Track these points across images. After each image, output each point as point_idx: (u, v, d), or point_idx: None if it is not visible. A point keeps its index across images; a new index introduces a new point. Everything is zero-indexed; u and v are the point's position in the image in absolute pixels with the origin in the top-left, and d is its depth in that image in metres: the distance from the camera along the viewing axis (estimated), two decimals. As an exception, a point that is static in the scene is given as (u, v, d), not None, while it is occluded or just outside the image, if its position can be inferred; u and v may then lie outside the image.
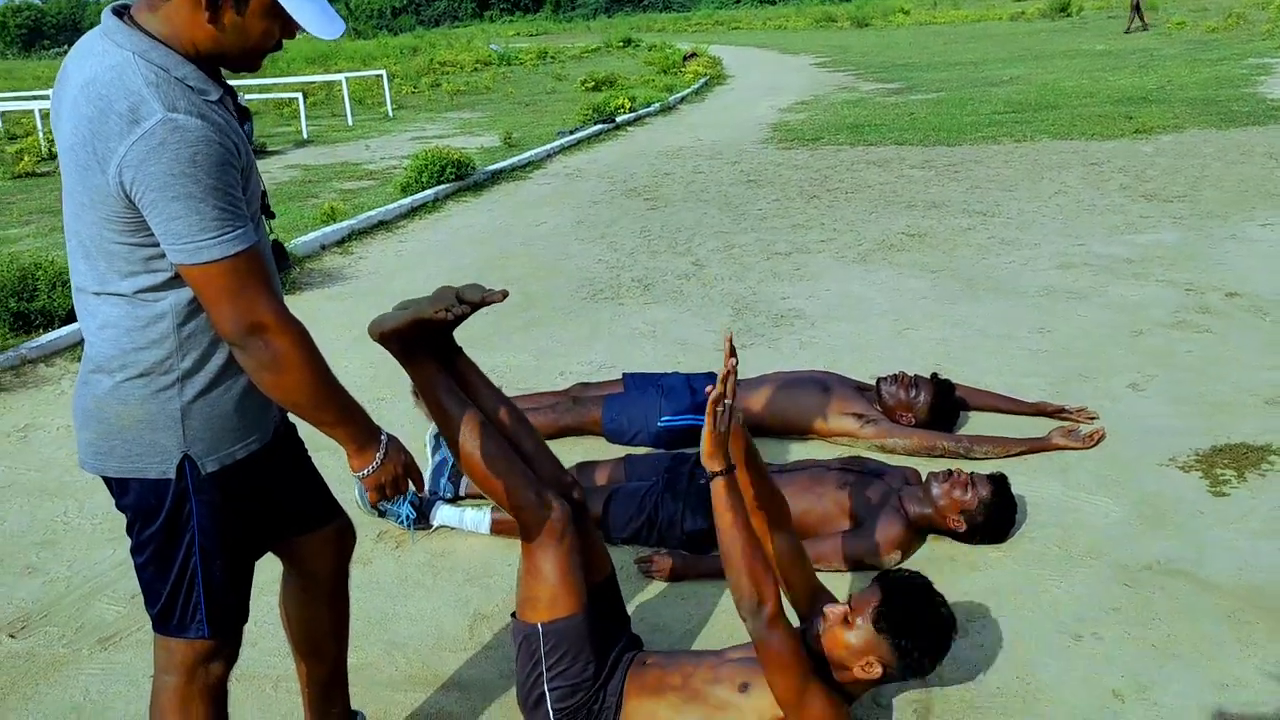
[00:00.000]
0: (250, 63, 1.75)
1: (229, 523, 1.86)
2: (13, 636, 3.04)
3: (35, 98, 16.88)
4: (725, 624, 2.92)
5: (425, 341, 2.40)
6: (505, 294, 2.27)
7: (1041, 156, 9.59)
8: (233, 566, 1.90)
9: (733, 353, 2.25)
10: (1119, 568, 3.04)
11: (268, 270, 1.73)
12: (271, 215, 1.93)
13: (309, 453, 2.19)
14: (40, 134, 13.99)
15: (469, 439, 2.34)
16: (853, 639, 2.24)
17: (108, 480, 1.84)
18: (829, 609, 2.31)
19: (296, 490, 2.11)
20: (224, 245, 1.62)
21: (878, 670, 2.22)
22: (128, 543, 3.41)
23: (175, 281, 1.70)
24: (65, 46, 54.45)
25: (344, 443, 1.84)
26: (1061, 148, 9.96)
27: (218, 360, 1.77)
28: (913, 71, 19.12)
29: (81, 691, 2.78)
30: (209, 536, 1.83)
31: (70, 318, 5.77)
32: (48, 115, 14.73)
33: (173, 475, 1.78)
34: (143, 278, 1.69)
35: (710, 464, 2.22)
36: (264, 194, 1.86)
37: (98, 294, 1.72)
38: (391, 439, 1.89)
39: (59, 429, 4.55)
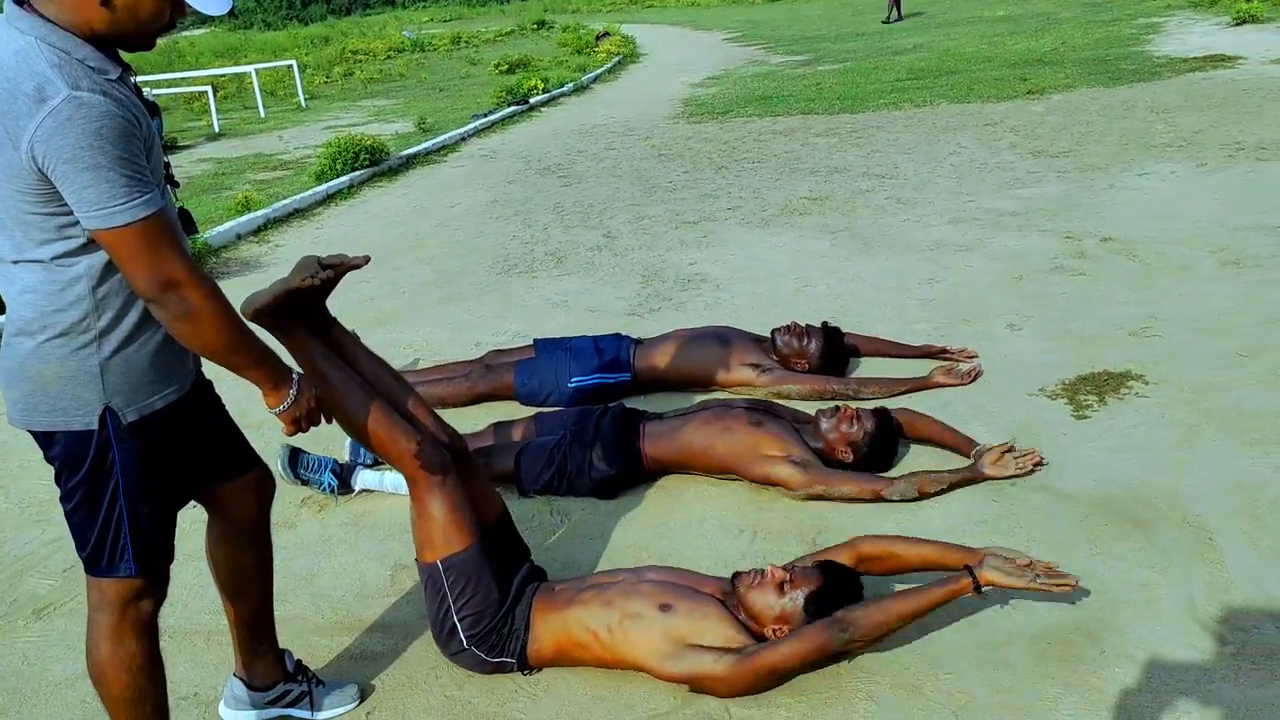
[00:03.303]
0: (144, 42, 1.90)
1: (151, 469, 2.02)
2: (-52, 614, 3.15)
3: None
4: (629, 562, 3.13)
5: (299, 314, 2.55)
6: (367, 259, 2.47)
7: (939, 120, 9.95)
8: (156, 510, 2.07)
9: None
10: (988, 486, 3.32)
11: (177, 231, 1.90)
12: (176, 184, 2.09)
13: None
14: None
15: (348, 400, 2.51)
16: (779, 606, 2.46)
17: (35, 434, 2.00)
18: (771, 568, 2.53)
19: (215, 440, 2.28)
20: (134, 210, 1.78)
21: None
22: (55, 524, 3.57)
23: (89, 247, 1.86)
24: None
25: (259, 383, 2.04)
26: (958, 111, 10.34)
27: (132, 318, 1.94)
28: (821, 43, 19.46)
29: (20, 657, 2.92)
30: (132, 481, 2.00)
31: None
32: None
33: (95, 426, 1.94)
34: (58, 244, 1.85)
35: (984, 585, 2.44)
36: (167, 164, 2.03)
37: (16, 262, 1.88)
38: (302, 377, 2.10)
39: (-20, 423, 4.61)
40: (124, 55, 1.94)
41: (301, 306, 2.54)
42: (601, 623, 2.53)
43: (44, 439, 2.00)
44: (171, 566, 2.20)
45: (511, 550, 2.74)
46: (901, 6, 22.86)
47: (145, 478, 2.02)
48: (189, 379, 2.12)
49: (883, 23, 22.28)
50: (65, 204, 1.80)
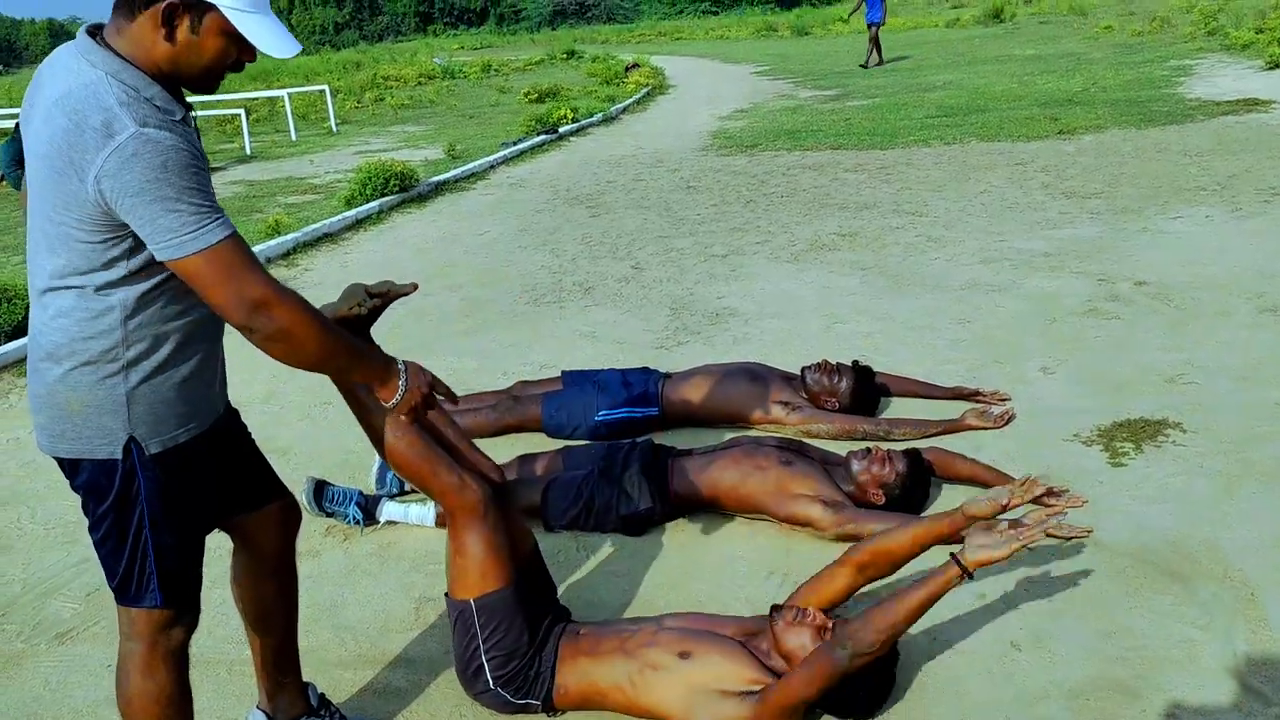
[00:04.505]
0: (208, 83, 1.91)
1: (176, 499, 2.01)
2: (-29, 636, 3.14)
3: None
4: (656, 601, 3.09)
5: None
6: (414, 286, 2.43)
7: (970, 158, 9.92)
8: (182, 539, 2.05)
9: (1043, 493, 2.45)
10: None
11: (251, 252, 1.88)
12: None
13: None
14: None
15: (390, 431, 2.47)
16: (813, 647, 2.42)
17: (61, 462, 2.00)
18: (814, 610, 2.52)
19: (241, 470, 2.27)
20: (206, 236, 1.78)
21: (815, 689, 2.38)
22: (80, 545, 3.56)
23: (129, 279, 1.86)
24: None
25: (366, 381, 2.07)
26: (989, 149, 10.30)
27: (162, 353, 1.94)
28: (850, 78, 19.50)
29: (42, 682, 2.90)
30: (157, 511, 1.99)
31: (14, 334, 5.84)
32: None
33: (119, 456, 1.94)
34: (100, 274, 1.85)
35: (972, 568, 2.36)
36: None
37: (54, 288, 1.88)
38: (410, 365, 2.10)
39: (8, 441, 4.63)
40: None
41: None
42: (623, 674, 2.50)
43: (70, 466, 2.00)
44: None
45: (542, 590, 2.71)
46: (872, 54, 21.54)
47: (170, 508, 2.01)
48: (215, 412, 2.11)
49: (860, 66, 21.27)
50: (118, 236, 1.81)
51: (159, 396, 1.95)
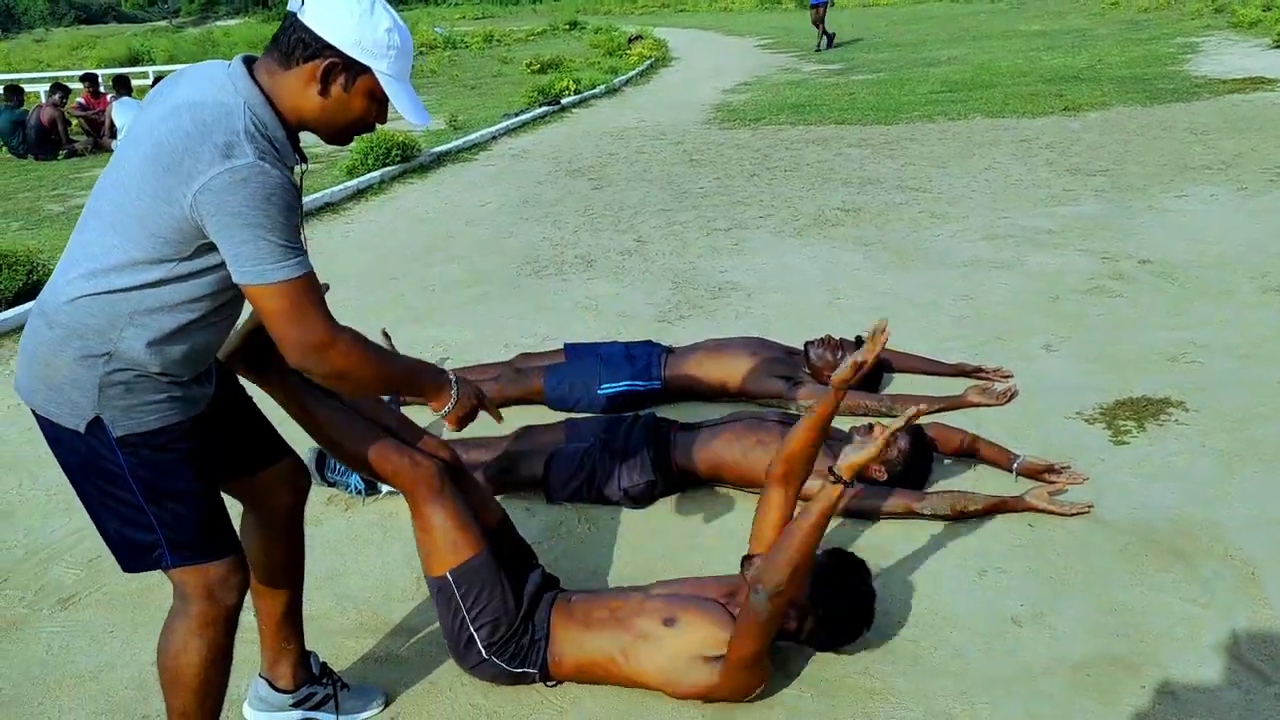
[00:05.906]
0: (341, 137, 2.01)
1: (164, 472, 2.01)
2: (-27, 600, 3.15)
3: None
4: (655, 572, 3.09)
5: (269, 352, 2.40)
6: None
7: (974, 134, 9.87)
8: (185, 504, 2.05)
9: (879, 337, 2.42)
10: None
11: (320, 293, 1.95)
12: None
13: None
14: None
15: (334, 429, 2.49)
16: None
17: (35, 413, 2.02)
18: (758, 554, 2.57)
19: (241, 433, 2.29)
20: (286, 270, 1.84)
21: (793, 625, 2.49)
22: (82, 512, 3.54)
23: (160, 285, 1.89)
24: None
25: (420, 395, 2.15)
26: (994, 125, 10.25)
27: (148, 358, 1.93)
28: (854, 52, 19.38)
29: (44, 647, 2.91)
30: (147, 484, 2.00)
31: (15, 301, 5.83)
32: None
33: (82, 430, 1.95)
34: (138, 270, 1.87)
35: (848, 475, 2.35)
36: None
37: (93, 259, 1.90)
38: (461, 380, 2.18)
39: (8, 407, 4.62)
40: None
41: (269, 345, 2.47)
42: (616, 646, 2.51)
43: (41, 420, 2.02)
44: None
45: (519, 556, 2.71)
46: (827, 34, 20.64)
47: (159, 480, 2.01)
48: (197, 406, 2.09)
49: (815, 50, 20.42)
50: (182, 245, 1.85)
51: (133, 392, 1.95)
